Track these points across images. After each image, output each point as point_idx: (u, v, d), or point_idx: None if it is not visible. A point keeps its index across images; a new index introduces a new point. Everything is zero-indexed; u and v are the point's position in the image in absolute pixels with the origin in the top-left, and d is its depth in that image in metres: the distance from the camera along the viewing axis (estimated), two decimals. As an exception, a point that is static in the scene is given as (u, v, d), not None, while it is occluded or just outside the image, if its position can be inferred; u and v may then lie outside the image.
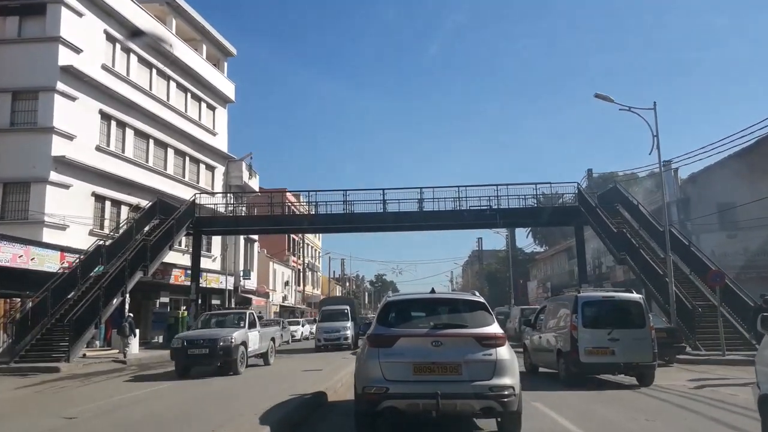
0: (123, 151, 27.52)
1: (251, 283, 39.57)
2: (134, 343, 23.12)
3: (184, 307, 30.99)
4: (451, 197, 27.95)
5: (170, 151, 31.19)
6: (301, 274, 62.37)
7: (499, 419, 6.50)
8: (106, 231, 25.68)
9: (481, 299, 7.04)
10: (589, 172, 28.41)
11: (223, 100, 37.16)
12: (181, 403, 10.12)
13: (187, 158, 32.88)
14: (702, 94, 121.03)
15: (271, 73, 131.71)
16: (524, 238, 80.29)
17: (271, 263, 46.26)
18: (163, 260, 28.64)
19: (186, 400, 10.58)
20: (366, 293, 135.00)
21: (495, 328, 6.49)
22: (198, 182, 33.30)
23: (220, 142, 36.49)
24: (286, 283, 51.34)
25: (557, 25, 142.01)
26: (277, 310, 47.98)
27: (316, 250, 76.17)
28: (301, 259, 60.87)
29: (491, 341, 6.34)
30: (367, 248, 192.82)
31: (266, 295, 43.22)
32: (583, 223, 27.71)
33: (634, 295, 12.19)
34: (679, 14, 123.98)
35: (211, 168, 35.20)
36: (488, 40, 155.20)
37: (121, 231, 25.04)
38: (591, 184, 28.67)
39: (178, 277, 30.21)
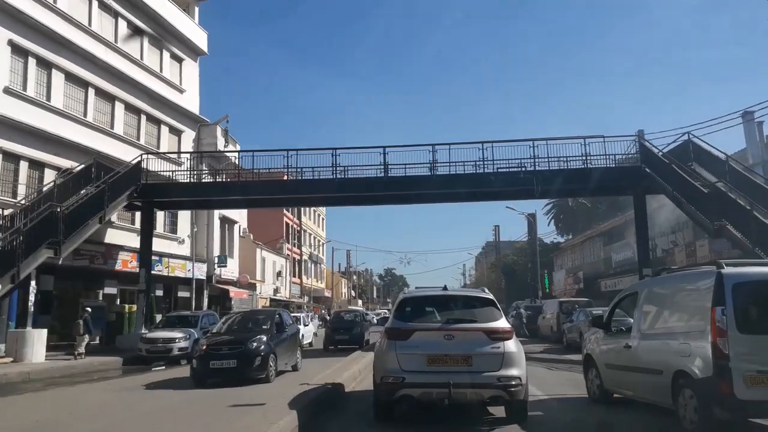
0: (48, 99, 21.28)
1: (230, 272, 33.30)
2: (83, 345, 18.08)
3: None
4: (472, 160, 21.48)
5: (119, 106, 24.90)
6: (299, 264, 56.15)
7: (507, 407, 6.88)
8: (21, 199, 19.54)
9: (490, 296, 7.36)
10: (640, 133, 21.56)
11: (192, 51, 30.79)
12: None
13: (144, 117, 26.59)
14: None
15: (256, 24, 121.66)
16: (545, 226, 74.32)
17: (258, 250, 39.94)
18: (105, 240, 22.68)
19: None
20: (375, 287, 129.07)
21: (503, 323, 6.93)
22: (159, 147, 27.03)
23: (190, 102, 30.16)
24: (279, 274, 45.02)
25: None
26: (267, 304, 41.68)
27: (318, 239, 69.91)
28: (299, 247, 54.59)
29: (499, 335, 6.73)
30: (373, 237, 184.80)
31: (251, 287, 36.91)
32: (648, 189, 21.16)
33: None
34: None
35: (176, 132, 28.91)
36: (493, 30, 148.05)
37: (35, 199, 18.85)
38: (644, 151, 21.72)
39: (127, 263, 24.02)
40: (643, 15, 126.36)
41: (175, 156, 25.89)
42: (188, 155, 24.96)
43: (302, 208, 61.06)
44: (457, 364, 6.57)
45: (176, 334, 18.77)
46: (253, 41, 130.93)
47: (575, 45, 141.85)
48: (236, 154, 26.52)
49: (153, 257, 25.76)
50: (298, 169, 21.90)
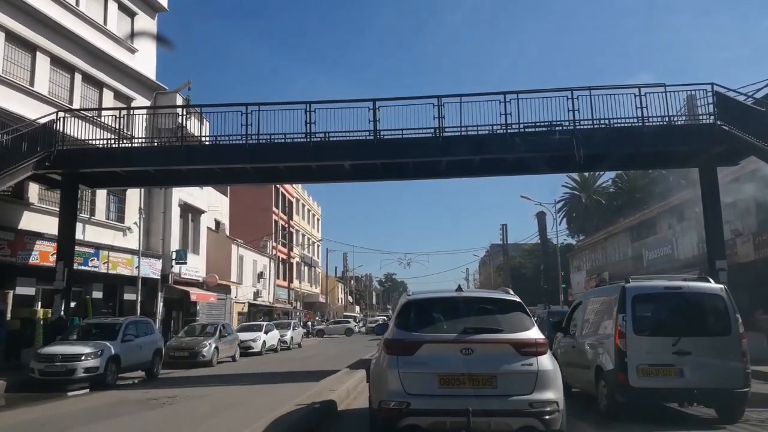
0: (-69, 37, 16.19)
1: (195, 271, 28.04)
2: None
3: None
4: (488, 125, 16.30)
5: (42, 59, 19.72)
6: (290, 266, 50.85)
7: None
8: None
9: (517, 298, 6.13)
10: (712, 88, 15.98)
11: (147, 5, 25.65)
12: None
13: (79, 76, 21.44)
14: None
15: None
16: (554, 226, 69.76)
17: (235, 247, 34.60)
18: (19, 226, 17.76)
19: None
20: (374, 293, 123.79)
21: (535, 333, 5.68)
22: (101, 115, 21.79)
23: (143, 65, 25.01)
24: (260, 275, 39.70)
25: None
26: (244, 310, 36.38)
27: (310, 240, 64.64)
28: (290, 248, 49.30)
29: (531, 348, 5.53)
30: (371, 242, 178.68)
31: (223, 289, 31.54)
32: (722, 157, 16.08)
33: (713, 285, 8.28)
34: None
35: (125, 98, 23.72)
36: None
37: None
38: (723, 103, 16.26)
39: (48, 255, 18.80)
40: None
41: (116, 127, 20.57)
42: (152, 131, 19.59)
43: (294, 206, 56.02)
44: (477, 386, 5.36)
45: (82, 348, 13.60)
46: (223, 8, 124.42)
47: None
48: (197, 129, 21.28)
49: (88, 249, 20.78)
50: (266, 136, 16.66)
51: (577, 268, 47.82)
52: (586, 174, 55.94)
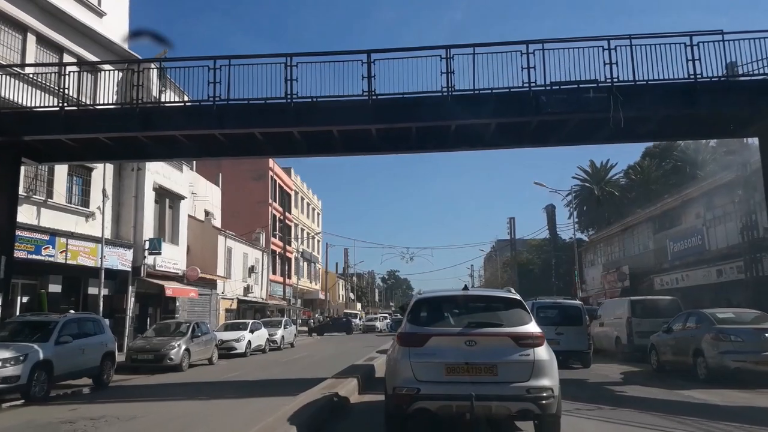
0: None
1: (173, 264, 25.24)
2: None
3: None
4: (504, 87, 13.44)
5: (-15, 13, 17.05)
6: (287, 261, 48.12)
7: (536, 422, 6.25)
8: None
9: (518, 296, 6.79)
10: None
11: (119, -36, 22.93)
12: None
13: (33, 37, 18.74)
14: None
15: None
16: (563, 219, 67.03)
17: (222, 238, 31.79)
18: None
19: None
20: (376, 290, 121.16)
21: (532, 327, 6.30)
22: (61, 84, 19.00)
23: (113, 31, 22.25)
24: (251, 269, 36.90)
25: None
26: (233, 306, 33.63)
27: (310, 234, 61.89)
28: (288, 242, 46.54)
29: (528, 341, 6.13)
30: (374, 235, 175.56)
31: (206, 284, 28.70)
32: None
33: (575, 302, 17.87)
34: None
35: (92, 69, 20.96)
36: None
37: None
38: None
39: (-11, 242, 16.04)
40: None
41: (75, 96, 17.77)
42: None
43: (292, 199, 53.30)
44: (480, 374, 5.89)
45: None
46: None
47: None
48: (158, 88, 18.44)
49: (40, 235, 18.08)
50: (243, 101, 13.84)
51: (591, 263, 44.86)
52: (598, 165, 53.26)
